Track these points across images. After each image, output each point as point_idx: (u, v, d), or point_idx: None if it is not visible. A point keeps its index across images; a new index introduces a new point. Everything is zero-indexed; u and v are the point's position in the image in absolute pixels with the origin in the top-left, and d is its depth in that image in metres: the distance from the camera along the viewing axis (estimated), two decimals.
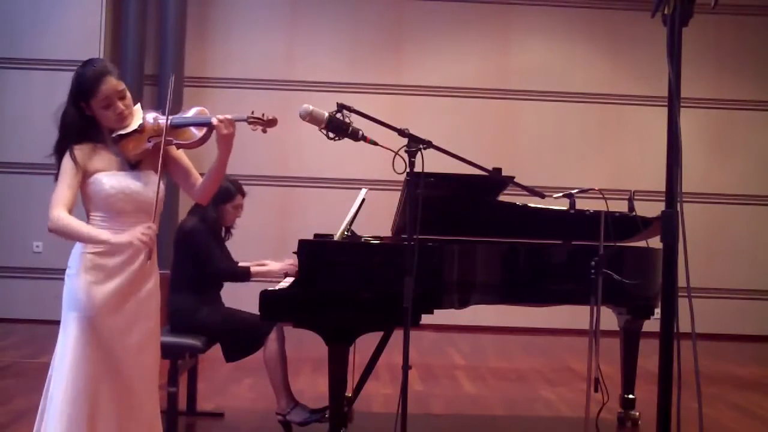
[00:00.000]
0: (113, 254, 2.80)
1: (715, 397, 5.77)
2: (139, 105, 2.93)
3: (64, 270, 2.85)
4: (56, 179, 2.78)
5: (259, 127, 2.88)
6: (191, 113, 2.91)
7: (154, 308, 2.94)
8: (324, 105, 3.25)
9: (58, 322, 2.80)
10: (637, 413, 4.86)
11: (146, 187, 2.84)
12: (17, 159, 8.43)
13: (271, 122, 2.89)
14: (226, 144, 2.86)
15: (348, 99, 3.41)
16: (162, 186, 2.87)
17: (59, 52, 8.42)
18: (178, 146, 2.92)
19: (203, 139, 2.87)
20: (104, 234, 2.75)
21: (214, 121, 2.84)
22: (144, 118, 2.87)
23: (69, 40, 8.46)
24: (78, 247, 2.84)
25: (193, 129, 2.87)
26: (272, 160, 8.83)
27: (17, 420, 4.49)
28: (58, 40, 8.49)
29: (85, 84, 2.82)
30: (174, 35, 8.72)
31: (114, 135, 2.84)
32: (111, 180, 2.80)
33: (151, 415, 2.91)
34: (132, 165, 2.86)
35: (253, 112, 2.89)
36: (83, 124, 2.83)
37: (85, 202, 2.85)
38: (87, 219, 2.84)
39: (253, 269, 4.44)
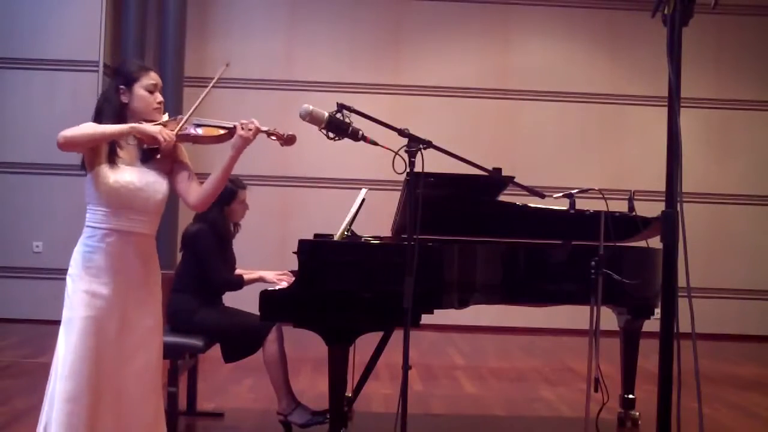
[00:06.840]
0: (107, 253, 2.81)
1: (715, 397, 5.77)
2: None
3: (64, 270, 2.85)
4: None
5: (277, 140, 2.99)
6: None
7: (153, 308, 2.95)
8: (324, 105, 3.25)
9: (58, 322, 2.80)
10: (637, 413, 4.85)
11: (150, 185, 2.87)
12: (17, 159, 8.44)
13: (290, 139, 3.00)
14: (239, 149, 2.92)
15: (348, 99, 3.41)
16: (166, 185, 2.92)
17: (59, 52, 8.43)
18: (195, 139, 2.98)
19: (221, 138, 2.96)
20: (116, 126, 2.80)
21: (237, 124, 2.93)
22: (168, 116, 3.00)
23: (69, 40, 8.46)
24: (78, 246, 2.85)
25: (213, 127, 2.98)
26: (272, 161, 8.81)
27: (17, 420, 4.49)
28: (58, 40, 8.49)
29: (132, 69, 2.96)
30: (174, 35, 8.71)
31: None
32: (116, 174, 2.83)
33: (152, 415, 2.91)
34: (144, 160, 2.88)
35: (275, 129, 3.00)
36: (118, 107, 2.90)
37: (87, 195, 2.86)
38: (87, 213, 2.86)
39: (246, 277, 4.48)
